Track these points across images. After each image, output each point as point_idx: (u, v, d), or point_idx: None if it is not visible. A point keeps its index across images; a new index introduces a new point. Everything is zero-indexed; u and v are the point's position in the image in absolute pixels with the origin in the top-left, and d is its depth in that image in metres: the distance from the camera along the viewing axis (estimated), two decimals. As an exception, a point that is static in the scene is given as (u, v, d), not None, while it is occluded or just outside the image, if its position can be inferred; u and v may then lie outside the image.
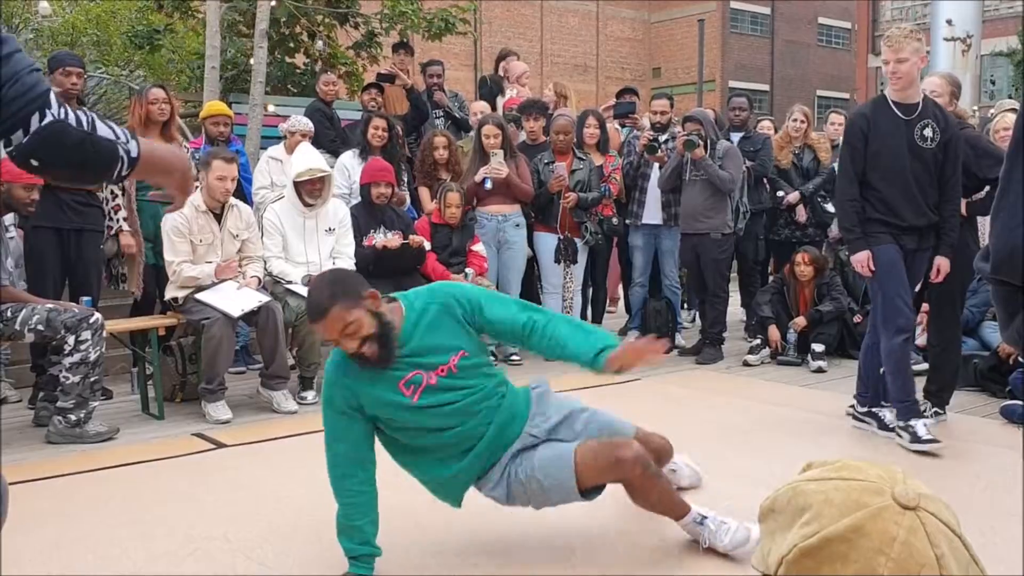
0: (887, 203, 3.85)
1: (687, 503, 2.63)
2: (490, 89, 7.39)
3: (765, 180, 6.64)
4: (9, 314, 3.91)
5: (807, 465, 1.00)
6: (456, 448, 2.48)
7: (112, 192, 4.86)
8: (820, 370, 5.47)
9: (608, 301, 7.18)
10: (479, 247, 5.62)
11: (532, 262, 6.13)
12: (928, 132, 3.84)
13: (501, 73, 7.45)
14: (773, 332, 5.80)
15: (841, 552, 0.87)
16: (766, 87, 31.53)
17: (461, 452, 2.48)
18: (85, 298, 4.37)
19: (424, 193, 5.90)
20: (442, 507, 2.69)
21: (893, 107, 3.87)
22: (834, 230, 6.47)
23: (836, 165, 6.65)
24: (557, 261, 5.89)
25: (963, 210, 4.09)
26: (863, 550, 0.86)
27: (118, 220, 4.87)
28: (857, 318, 6.07)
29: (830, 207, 6.57)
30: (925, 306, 4.61)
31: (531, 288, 6.36)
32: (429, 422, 2.43)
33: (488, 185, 5.65)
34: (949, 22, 10.13)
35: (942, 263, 3.95)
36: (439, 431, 2.45)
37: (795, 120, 6.58)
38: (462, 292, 2.55)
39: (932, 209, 3.90)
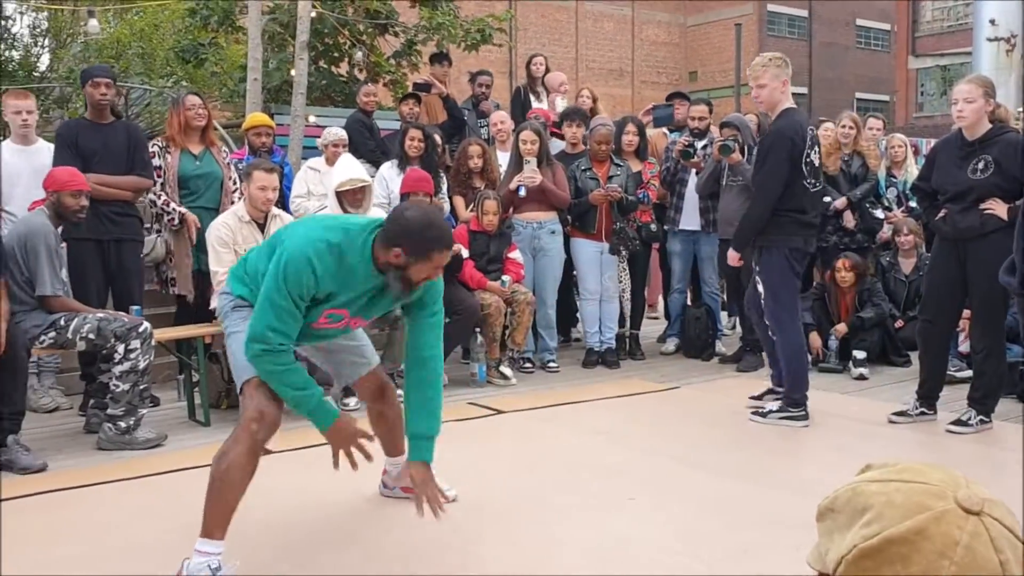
0: None
1: None
2: (522, 104, 7.32)
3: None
4: (63, 323, 4.02)
5: (866, 467, 1.00)
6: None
7: (152, 200, 4.95)
8: (862, 377, 5.42)
9: (647, 307, 7.14)
10: (516, 254, 5.64)
11: (569, 269, 6.13)
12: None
13: (535, 75, 7.35)
14: (814, 339, 5.74)
15: (902, 554, 0.88)
16: (804, 90, 31.19)
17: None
18: (135, 307, 4.46)
19: (459, 202, 5.94)
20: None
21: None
22: (885, 234, 6.44)
23: (881, 171, 6.66)
24: (615, 252, 5.88)
25: (1005, 215, 4.00)
26: (925, 553, 0.87)
27: (173, 211, 4.93)
28: (899, 324, 6.00)
29: (879, 213, 6.52)
30: (967, 312, 4.54)
31: (568, 295, 6.37)
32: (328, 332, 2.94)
33: (522, 192, 5.68)
34: (992, 22, 9.96)
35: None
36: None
37: (844, 127, 6.52)
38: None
39: None
